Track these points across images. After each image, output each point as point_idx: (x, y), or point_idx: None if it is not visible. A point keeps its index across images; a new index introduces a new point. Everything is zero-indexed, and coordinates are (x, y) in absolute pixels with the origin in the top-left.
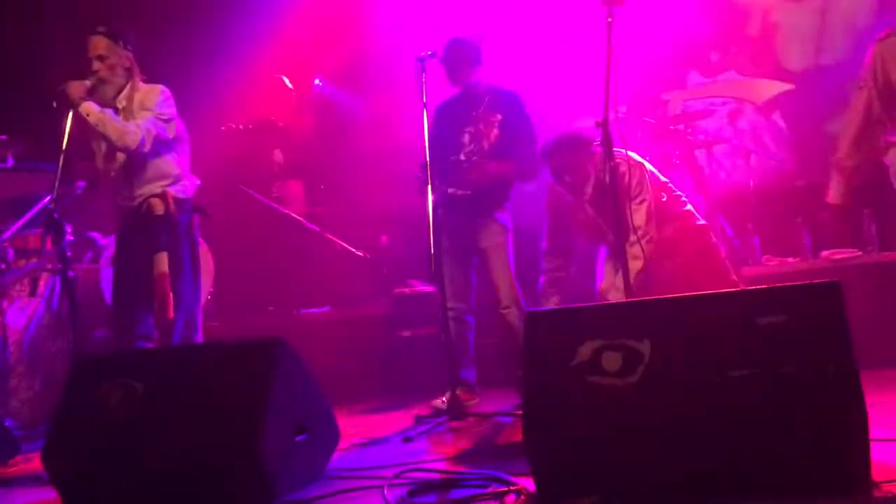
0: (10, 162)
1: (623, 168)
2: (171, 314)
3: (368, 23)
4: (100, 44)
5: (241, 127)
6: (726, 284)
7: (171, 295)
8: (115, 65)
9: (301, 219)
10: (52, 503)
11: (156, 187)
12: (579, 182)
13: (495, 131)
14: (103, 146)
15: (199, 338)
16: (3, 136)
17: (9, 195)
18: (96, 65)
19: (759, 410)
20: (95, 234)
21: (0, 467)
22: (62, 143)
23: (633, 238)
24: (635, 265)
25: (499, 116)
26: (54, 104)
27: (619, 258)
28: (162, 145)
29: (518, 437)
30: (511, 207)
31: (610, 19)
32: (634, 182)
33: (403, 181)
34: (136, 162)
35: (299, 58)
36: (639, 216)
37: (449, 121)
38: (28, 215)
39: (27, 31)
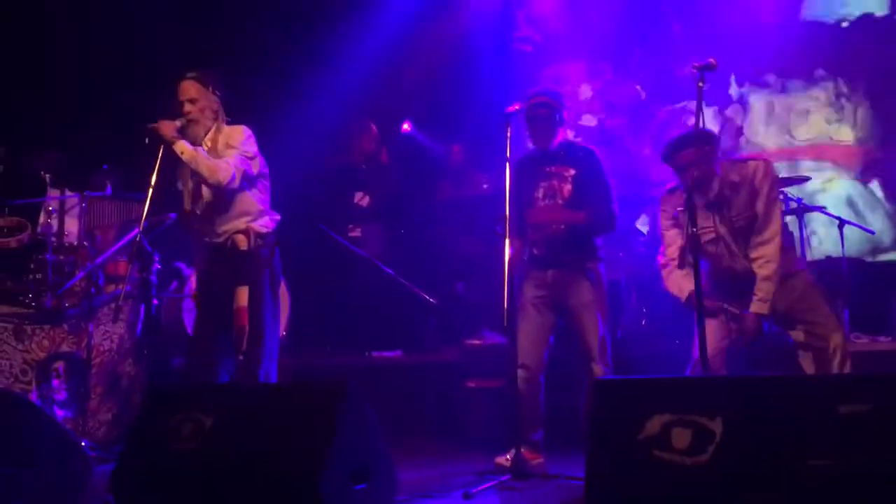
0: (109, 190)
1: (755, 165)
2: (245, 347)
3: (459, 72)
4: (191, 88)
5: (328, 167)
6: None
7: (247, 328)
8: (204, 107)
9: (378, 261)
10: None
11: (240, 223)
12: (705, 178)
13: (568, 186)
14: (190, 184)
15: (275, 371)
16: (104, 166)
17: (107, 222)
18: (188, 107)
19: None
20: (181, 264)
21: (75, 489)
22: (151, 178)
23: (765, 236)
24: (767, 268)
25: (572, 171)
26: (146, 140)
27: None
28: (246, 182)
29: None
30: (604, 257)
31: (701, 84)
32: (770, 180)
33: (482, 231)
34: (222, 199)
35: (388, 102)
36: (772, 215)
37: (524, 176)
38: (120, 242)
39: (126, 67)
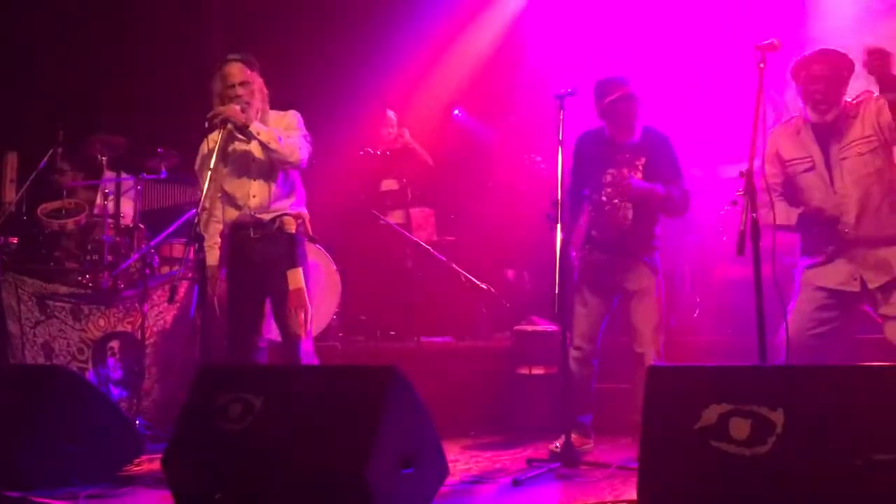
0: (164, 174)
1: (864, 96)
2: (298, 328)
3: (512, 56)
4: (240, 71)
5: (374, 152)
6: None
7: (310, 308)
8: (255, 90)
9: (428, 247)
10: None
11: (288, 205)
12: (826, 98)
13: (638, 175)
14: (226, 168)
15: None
16: (159, 150)
17: (160, 204)
18: (241, 90)
19: None
20: None
21: (126, 465)
22: (210, 161)
23: None
24: None
25: (643, 160)
26: (206, 125)
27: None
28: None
29: (631, 492)
30: (660, 247)
31: (762, 65)
32: (883, 104)
33: (534, 216)
34: (278, 180)
35: (442, 88)
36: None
37: (590, 156)
38: (175, 225)
39: (186, 53)
